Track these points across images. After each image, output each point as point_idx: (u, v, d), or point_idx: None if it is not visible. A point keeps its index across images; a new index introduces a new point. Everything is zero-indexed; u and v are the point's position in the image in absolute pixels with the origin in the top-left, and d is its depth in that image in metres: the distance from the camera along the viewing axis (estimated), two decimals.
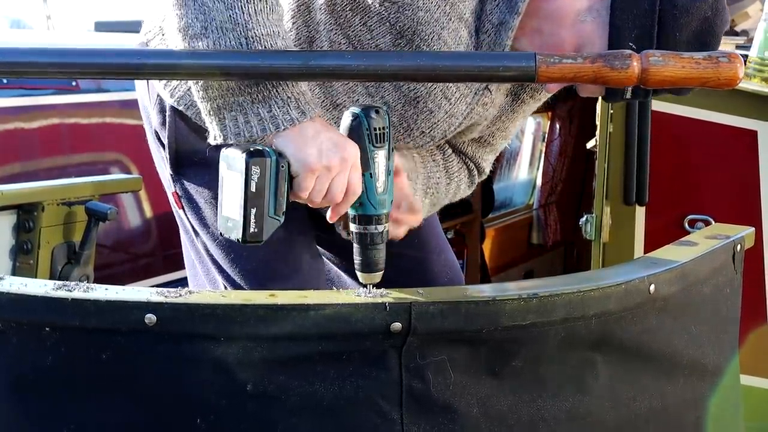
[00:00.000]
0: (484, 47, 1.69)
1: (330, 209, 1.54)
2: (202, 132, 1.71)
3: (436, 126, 1.75)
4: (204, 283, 1.91)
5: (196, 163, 1.78)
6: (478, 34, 1.70)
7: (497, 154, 1.99)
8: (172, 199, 1.88)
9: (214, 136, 1.52)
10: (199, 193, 1.81)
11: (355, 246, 1.53)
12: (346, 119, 1.50)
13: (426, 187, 1.86)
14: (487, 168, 1.97)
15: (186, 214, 1.85)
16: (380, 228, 1.51)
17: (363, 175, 1.50)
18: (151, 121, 1.85)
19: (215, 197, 1.72)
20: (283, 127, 1.47)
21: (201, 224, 1.82)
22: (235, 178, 1.42)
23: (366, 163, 1.50)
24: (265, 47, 1.44)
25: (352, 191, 1.51)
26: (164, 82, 1.77)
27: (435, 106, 1.71)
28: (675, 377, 1.58)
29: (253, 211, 1.41)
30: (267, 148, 1.43)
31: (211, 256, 1.84)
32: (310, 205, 1.53)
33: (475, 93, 1.73)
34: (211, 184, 1.78)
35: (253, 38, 1.44)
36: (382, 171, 1.52)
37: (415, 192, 1.81)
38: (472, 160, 1.93)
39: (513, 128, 1.94)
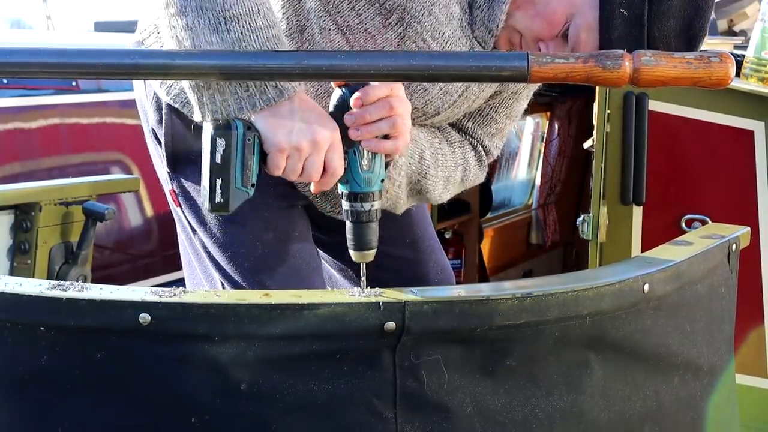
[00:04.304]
0: (477, 23, 1.69)
1: (312, 185, 1.56)
2: (198, 130, 1.71)
3: (431, 102, 1.75)
4: (201, 281, 1.91)
5: (192, 160, 1.78)
6: (471, 10, 1.70)
7: (504, 138, 1.96)
8: (169, 197, 1.89)
9: (195, 114, 1.55)
10: (196, 191, 1.81)
11: (347, 223, 1.55)
12: (333, 97, 1.53)
13: (434, 160, 1.85)
14: (495, 150, 1.95)
15: (183, 212, 1.85)
16: (367, 206, 1.54)
17: (347, 152, 1.52)
18: (148, 119, 1.86)
19: None
20: (259, 106, 1.49)
21: (198, 222, 1.83)
22: (205, 150, 1.49)
23: (350, 141, 1.52)
24: (243, 27, 1.45)
25: (331, 171, 1.52)
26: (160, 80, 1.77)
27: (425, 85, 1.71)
28: (670, 376, 1.58)
29: (219, 181, 1.48)
30: (236, 121, 1.48)
31: (208, 253, 1.84)
32: (289, 181, 1.56)
33: None
34: None
35: (231, 18, 1.45)
36: (367, 149, 1.53)
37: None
38: (474, 138, 1.92)
39: (518, 107, 1.93)
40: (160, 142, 1.83)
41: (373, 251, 1.57)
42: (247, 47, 1.46)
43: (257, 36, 1.48)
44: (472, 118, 1.89)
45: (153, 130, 1.85)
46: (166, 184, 1.88)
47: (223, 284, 1.84)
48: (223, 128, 1.48)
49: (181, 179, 1.84)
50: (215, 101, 1.50)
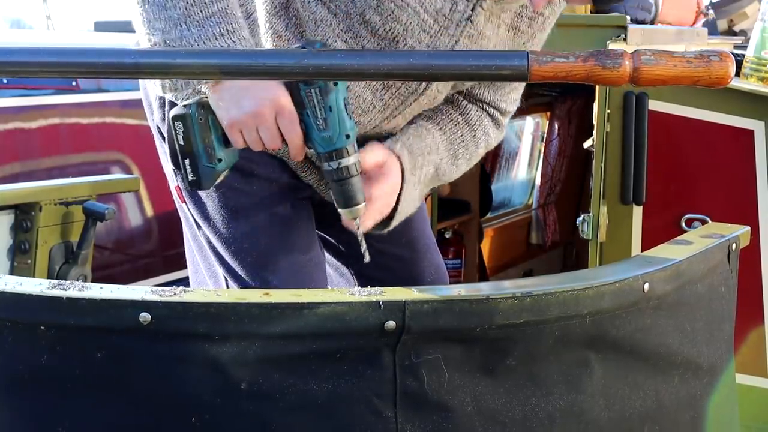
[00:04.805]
0: None
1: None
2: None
3: None
4: (205, 278, 1.92)
5: None
6: None
7: (520, 92, 1.95)
8: (174, 193, 1.90)
9: (166, 95, 1.64)
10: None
11: (330, 184, 1.59)
12: None
13: (453, 151, 1.86)
14: (511, 107, 1.94)
15: (188, 208, 1.86)
16: (336, 164, 1.56)
17: (301, 114, 1.55)
18: (153, 116, 1.88)
19: (217, 189, 1.78)
20: (205, 83, 1.54)
21: (203, 217, 1.84)
22: (169, 134, 1.61)
23: (300, 104, 1.55)
24: (188, 3, 1.51)
25: (288, 138, 1.56)
26: None
27: (415, 41, 1.70)
28: (670, 376, 1.58)
29: (187, 162, 1.58)
30: (191, 104, 1.57)
31: (213, 248, 1.85)
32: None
33: (457, 24, 1.71)
34: None
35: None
36: (320, 108, 1.54)
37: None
38: (490, 105, 1.91)
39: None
40: (164, 139, 1.85)
41: (361, 207, 1.60)
42: (191, 22, 1.51)
43: (201, 11, 1.52)
44: (486, 87, 1.89)
45: (158, 128, 1.87)
46: (171, 181, 1.89)
47: (226, 278, 1.85)
48: (178, 112, 1.57)
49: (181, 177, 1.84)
50: (175, 82, 1.58)
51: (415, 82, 1.75)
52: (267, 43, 1.73)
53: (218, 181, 1.61)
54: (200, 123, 1.56)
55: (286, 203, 1.85)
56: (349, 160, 1.56)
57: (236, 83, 1.54)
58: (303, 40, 1.66)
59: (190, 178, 1.59)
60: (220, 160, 1.58)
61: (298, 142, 1.56)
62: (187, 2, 1.52)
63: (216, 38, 1.53)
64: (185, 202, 1.87)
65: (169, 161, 1.86)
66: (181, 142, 1.58)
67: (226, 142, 1.58)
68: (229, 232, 1.82)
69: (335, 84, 1.53)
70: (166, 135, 1.84)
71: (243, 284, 1.82)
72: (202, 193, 1.82)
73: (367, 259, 1.65)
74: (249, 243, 1.81)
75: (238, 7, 1.60)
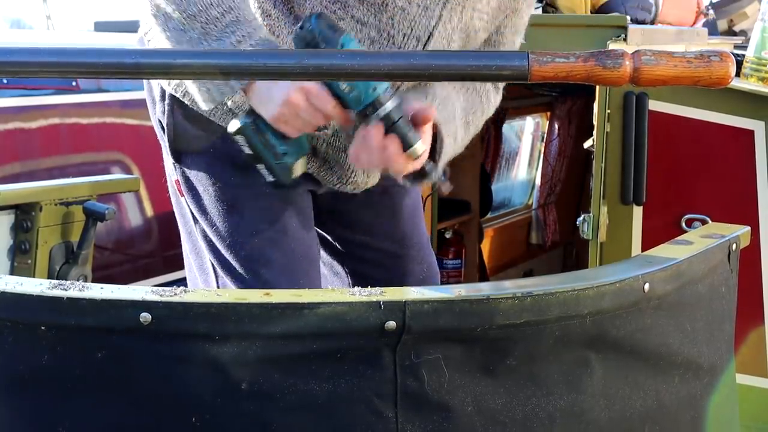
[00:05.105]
0: None
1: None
2: (199, 120, 1.75)
3: (415, 23, 1.75)
4: (195, 274, 1.93)
5: (195, 150, 1.82)
6: None
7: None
8: (174, 188, 1.91)
9: (199, 104, 1.70)
10: (198, 181, 1.85)
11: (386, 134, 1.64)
12: (298, 40, 1.62)
13: (466, 118, 1.88)
14: None
15: (186, 201, 1.88)
16: (375, 116, 1.62)
17: (328, 87, 1.60)
18: (155, 110, 1.89)
19: (213, 183, 1.82)
20: (236, 89, 1.63)
21: (200, 211, 1.86)
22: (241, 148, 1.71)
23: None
24: (202, 22, 1.57)
25: (326, 112, 1.61)
26: None
27: (405, 2, 1.72)
28: (670, 376, 1.58)
29: (261, 167, 1.69)
30: (244, 116, 1.67)
31: (208, 242, 1.86)
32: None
33: None
34: (210, 170, 1.83)
35: (190, 17, 1.58)
36: None
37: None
38: None
39: (521, 22, 1.93)
40: (164, 131, 1.86)
41: (418, 146, 1.64)
42: (210, 38, 1.58)
43: (216, 26, 1.58)
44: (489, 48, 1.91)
45: (159, 122, 1.89)
46: (171, 175, 1.90)
47: (217, 274, 1.86)
48: (233, 127, 1.67)
49: (185, 169, 1.87)
50: (209, 91, 1.63)
51: (415, 38, 1.77)
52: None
53: (299, 173, 1.71)
54: (253, 129, 1.66)
55: (283, 197, 1.86)
56: (386, 108, 1.62)
57: (262, 82, 1.60)
58: (292, 16, 1.68)
59: (270, 180, 1.69)
60: (285, 154, 1.67)
61: (336, 111, 1.61)
62: (202, 21, 1.58)
63: (235, 46, 1.58)
64: (184, 195, 1.88)
65: (169, 155, 1.87)
66: (248, 152, 1.67)
67: (282, 136, 1.66)
68: (224, 226, 1.83)
69: (341, 47, 1.58)
70: (166, 128, 1.85)
71: (236, 278, 1.83)
72: (199, 187, 1.85)
73: (447, 189, 1.73)
74: (243, 237, 1.82)
75: (250, 9, 1.64)
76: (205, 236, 1.86)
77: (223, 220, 1.83)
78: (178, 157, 1.87)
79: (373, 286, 1.36)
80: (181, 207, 1.92)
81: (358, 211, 2.01)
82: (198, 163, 1.85)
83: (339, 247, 2.03)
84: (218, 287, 1.87)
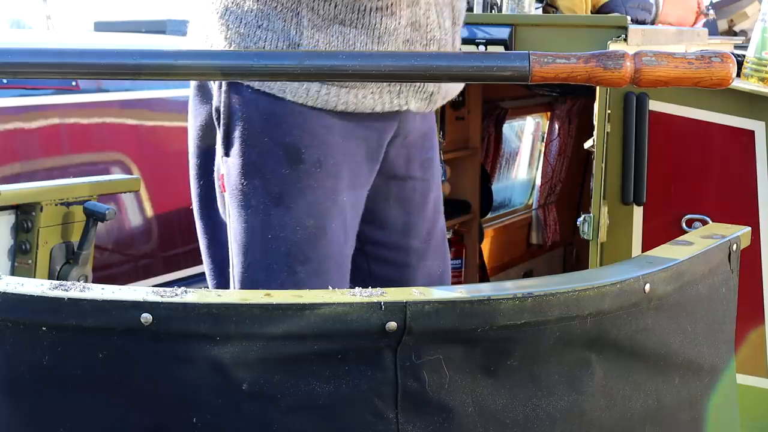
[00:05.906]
0: None
1: None
2: (261, 109, 1.74)
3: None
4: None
5: (243, 143, 1.80)
6: None
7: None
8: (218, 183, 1.88)
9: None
10: (240, 174, 1.82)
11: None
12: None
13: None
14: None
15: (228, 197, 1.85)
16: None
17: None
18: (212, 100, 1.86)
19: (263, 176, 1.80)
20: None
21: (242, 205, 1.82)
22: None
23: None
24: None
25: None
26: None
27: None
28: (670, 376, 1.58)
29: None
30: None
31: (247, 236, 1.82)
32: None
33: None
34: (259, 161, 1.80)
35: None
36: None
37: None
38: None
39: None
40: (218, 121, 1.84)
41: None
42: None
43: None
44: None
45: (217, 109, 1.85)
46: (218, 170, 1.88)
47: (245, 270, 1.83)
48: None
49: (229, 162, 1.83)
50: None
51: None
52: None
53: None
54: None
55: (332, 192, 1.83)
56: None
57: None
58: None
59: None
60: None
61: None
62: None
63: None
64: (225, 191, 1.85)
65: (222, 147, 1.84)
66: None
67: None
68: (267, 219, 1.80)
69: None
70: (222, 119, 1.83)
71: (269, 273, 1.80)
72: (244, 181, 1.81)
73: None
74: (286, 232, 1.80)
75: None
76: (245, 230, 1.83)
77: (267, 213, 1.80)
78: (227, 149, 1.83)
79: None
80: (225, 203, 1.90)
81: (387, 210, 2.00)
82: (248, 154, 1.81)
83: (365, 245, 2.01)
84: (242, 280, 1.85)
